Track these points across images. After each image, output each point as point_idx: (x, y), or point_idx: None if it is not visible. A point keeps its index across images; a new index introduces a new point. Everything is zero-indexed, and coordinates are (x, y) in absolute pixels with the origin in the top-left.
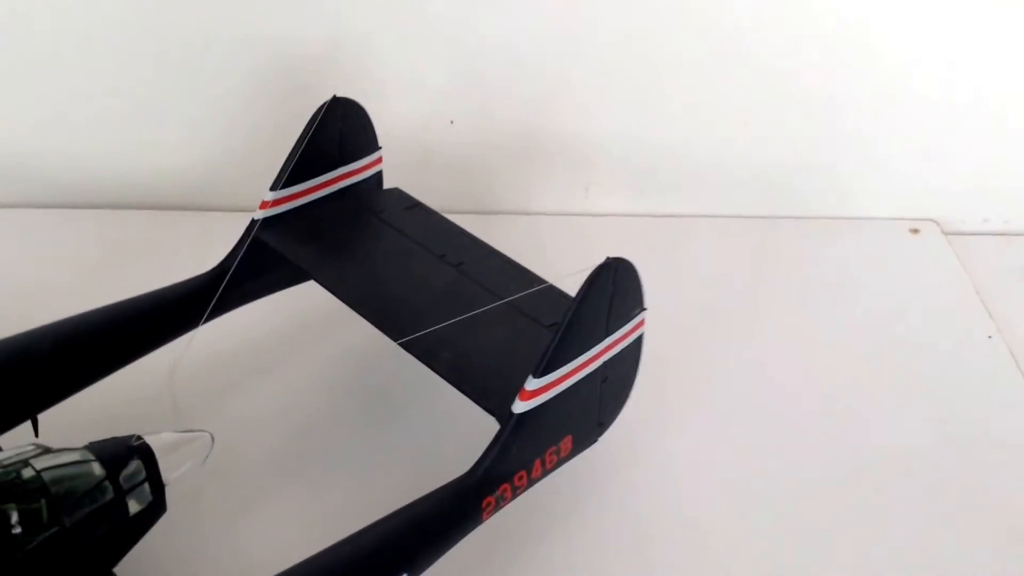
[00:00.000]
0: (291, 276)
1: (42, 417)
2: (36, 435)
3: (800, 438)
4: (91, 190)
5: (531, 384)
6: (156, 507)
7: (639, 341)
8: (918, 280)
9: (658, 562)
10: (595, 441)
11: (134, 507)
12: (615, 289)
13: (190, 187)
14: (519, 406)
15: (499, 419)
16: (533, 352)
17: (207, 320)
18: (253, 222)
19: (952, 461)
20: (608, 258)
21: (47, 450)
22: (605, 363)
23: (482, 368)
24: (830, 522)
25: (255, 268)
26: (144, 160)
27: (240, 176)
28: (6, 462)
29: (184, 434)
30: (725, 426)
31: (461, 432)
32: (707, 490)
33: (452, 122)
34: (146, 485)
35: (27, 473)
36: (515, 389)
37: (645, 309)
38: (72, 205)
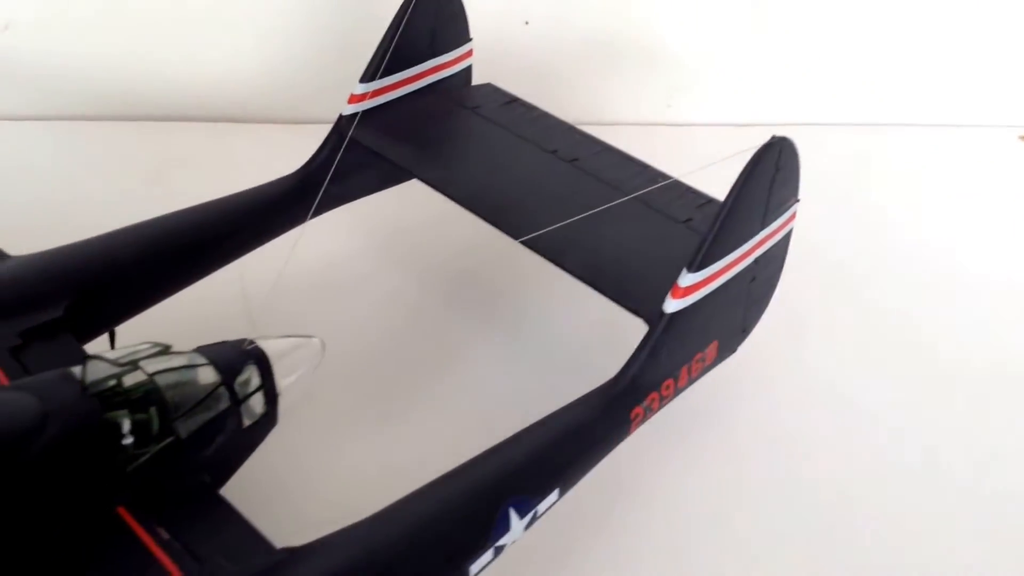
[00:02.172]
0: (383, 177)
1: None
2: (112, 348)
3: (917, 346)
4: (141, 101)
5: (685, 280)
6: (268, 419)
7: (788, 238)
8: None
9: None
10: (735, 350)
11: (247, 419)
12: (777, 172)
13: (247, 98)
14: (671, 304)
15: (648, 320)
16: (671, 249)
17: (284, 231)
18: (341, 118)
19: None
20: (773, 136)
21: (165, 349)
22: (757, 259)
23: (619, 266)
24: (965, 432)
25: (342, 170)
26: (199, 68)
27: (302, 86)
28: (122, 360)
29: (293, 339)
30: (839, 337)
31: (584, 338)
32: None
33: (527, 23)
34: (260, 394)
35: (138, 377)
36: (660, 288)
37: (799, 200)
38: (120, 117)
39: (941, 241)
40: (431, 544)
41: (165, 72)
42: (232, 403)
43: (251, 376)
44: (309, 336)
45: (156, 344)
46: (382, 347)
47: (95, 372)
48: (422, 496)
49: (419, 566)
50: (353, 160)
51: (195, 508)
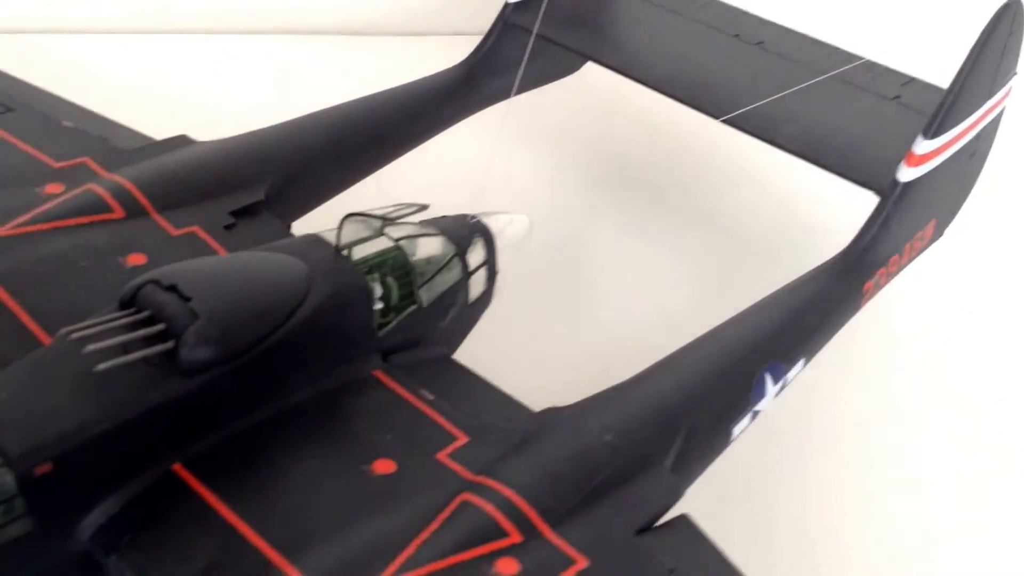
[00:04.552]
0: (550, 68)
1: None
2: None
3: None
4: (256, 15)
5: (921, 147)
6: (487, 297)
7: (1000, 116)
8: None
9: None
10: (943, 233)
11: (472, 293)
12: (1009, 39)
13: (361, 10)
14: (905, 173)
15: (879, 191)
16: (885, 124)
17: (454, 122)
18: (507, 5)
19: None
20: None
21: (422, 207)
22: (979, 133)
23: (836, 141)
24: None
25: (508, 61)
26: None
27: None
28: (393, 215)
29: (506, 215)
30: None
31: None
32: None
33: None
34: (484, 269)
35: (384, 242)
36: (884, 160)
37: (1016, 73)
38: (237, 31)
39: None
40: (699, 403)
41: None
42: (463, 275)
43: (478, 250)
44: (513, 213)
45: (411, 204)
46: (560, 242)
47: (347, 236)
48: (680, 360)
49: (690, 423)
50: (519, 50)
51: (443, 374)
